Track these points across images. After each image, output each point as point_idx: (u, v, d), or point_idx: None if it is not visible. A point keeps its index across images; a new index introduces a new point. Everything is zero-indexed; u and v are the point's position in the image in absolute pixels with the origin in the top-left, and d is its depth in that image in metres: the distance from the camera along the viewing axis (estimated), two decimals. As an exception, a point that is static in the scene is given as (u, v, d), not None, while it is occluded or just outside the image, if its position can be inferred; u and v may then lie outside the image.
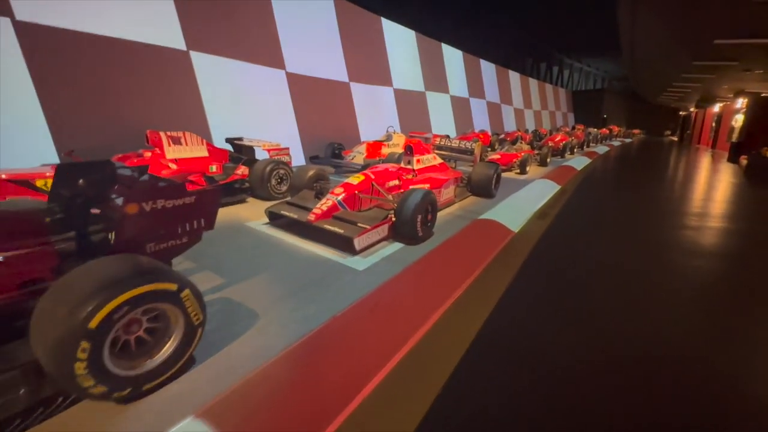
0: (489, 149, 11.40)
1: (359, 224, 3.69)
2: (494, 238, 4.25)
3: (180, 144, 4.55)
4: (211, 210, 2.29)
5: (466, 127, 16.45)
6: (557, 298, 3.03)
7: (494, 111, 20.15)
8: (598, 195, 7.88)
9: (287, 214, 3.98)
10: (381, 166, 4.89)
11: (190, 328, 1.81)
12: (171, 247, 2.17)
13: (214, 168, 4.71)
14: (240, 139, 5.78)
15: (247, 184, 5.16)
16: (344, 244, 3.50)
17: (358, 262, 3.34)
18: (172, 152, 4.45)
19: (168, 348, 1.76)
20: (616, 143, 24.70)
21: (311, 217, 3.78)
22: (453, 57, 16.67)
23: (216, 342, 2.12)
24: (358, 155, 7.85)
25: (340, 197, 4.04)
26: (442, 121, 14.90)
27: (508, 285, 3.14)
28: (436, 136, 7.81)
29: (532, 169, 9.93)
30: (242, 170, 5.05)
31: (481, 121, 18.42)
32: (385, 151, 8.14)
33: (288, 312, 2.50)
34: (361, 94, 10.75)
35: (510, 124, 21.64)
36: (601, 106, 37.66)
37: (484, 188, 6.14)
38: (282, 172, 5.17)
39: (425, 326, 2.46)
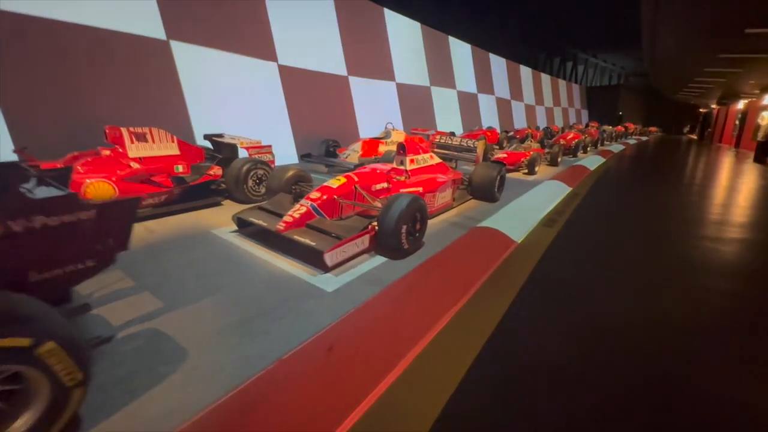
0: (497, 147, 10.79)
1: (335, 235, 3.21)
2: (493, 250, 3.72)
3: (145, 141, 4.10)
4: (122, 226, 1.83)
5: (473, 124, 15.80)
6: (564, 326, 2.50)
7: (504, 107, 19.43)
8: (613, 199, 7.24)
9: (256, 221, 3.51)
10: (368, 167, 4.39)
11: (61, 393, 1.35)
12: (68, 275, 1.71)
13: (180, 168, 4.25)
14: (220, 135, 5.34)
15: (223, 186, 4.71)
16: (316, 259, 3.02)
17: (329, 282, 2.85)
18: (135, 150, 4.01)
19: (22, 424, 1.29)
20: (631, 141, 23.67)
21: (281, 225, 3.31)
22: (461, 51, 16.00)
23: (118, 396, 1.66)
24: (353, 153, 7.35)
25: (316, 203, 3.56)
26: (447, 118, 14.29)
27: (504, 312, 2.62)
28: (437, 133, 7.27)
29: (542, 169, 9.30)
30: (215, 170, 4.59)
31: (489, 118, 17.73)
32: (382, 149, 7.63)
33: (227, 350, 2.03)
34: (361, 88, 10.21)
35: (520, 121, 20.89)
36: (617, 102, 36.43)
37: (486, 191, 5.58)
38: (261, 172, 4.70)
39: (396, 371, 1.96)
